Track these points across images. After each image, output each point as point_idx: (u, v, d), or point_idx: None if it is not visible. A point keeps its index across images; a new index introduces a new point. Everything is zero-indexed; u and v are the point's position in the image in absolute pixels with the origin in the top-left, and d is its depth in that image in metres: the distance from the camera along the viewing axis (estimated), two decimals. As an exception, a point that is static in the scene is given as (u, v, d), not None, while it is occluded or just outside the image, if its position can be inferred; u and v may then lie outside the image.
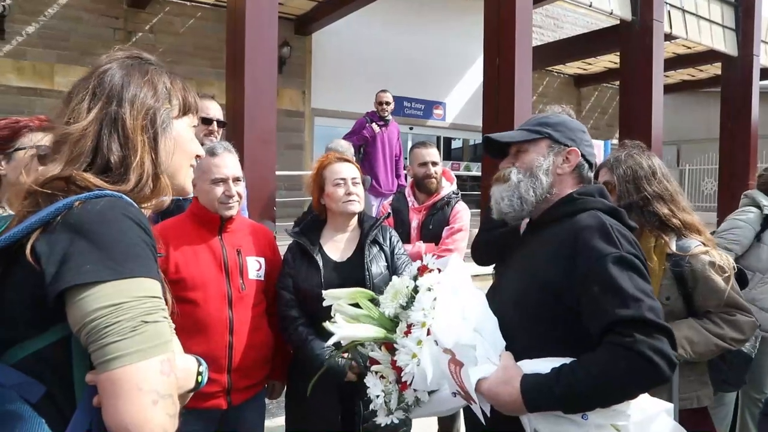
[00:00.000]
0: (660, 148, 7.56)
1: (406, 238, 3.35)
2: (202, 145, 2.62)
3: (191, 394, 1.19)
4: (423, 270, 1.60)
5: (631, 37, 7.77)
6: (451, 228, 3.29)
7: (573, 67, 12.87)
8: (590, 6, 7.30)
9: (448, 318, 1.41)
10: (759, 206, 3.22)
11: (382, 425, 1.54)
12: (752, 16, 9.39)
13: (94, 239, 0.92)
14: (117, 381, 0.88)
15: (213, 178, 2.31)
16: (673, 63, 10.96)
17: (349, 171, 2.52)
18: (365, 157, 6.58)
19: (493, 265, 2.18)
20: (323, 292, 1.68)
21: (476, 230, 2.33)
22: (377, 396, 1.52)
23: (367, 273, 2.39)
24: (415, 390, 1.47)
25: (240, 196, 2.38)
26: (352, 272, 2.40)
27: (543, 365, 1.38)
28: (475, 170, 11.62)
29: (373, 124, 6.40)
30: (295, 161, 9.43)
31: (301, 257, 2.46)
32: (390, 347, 1.52)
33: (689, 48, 10.38)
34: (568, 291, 1.41)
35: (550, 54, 11.27)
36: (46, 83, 7.62)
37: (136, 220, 0.98)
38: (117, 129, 1.06)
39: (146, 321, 0.92)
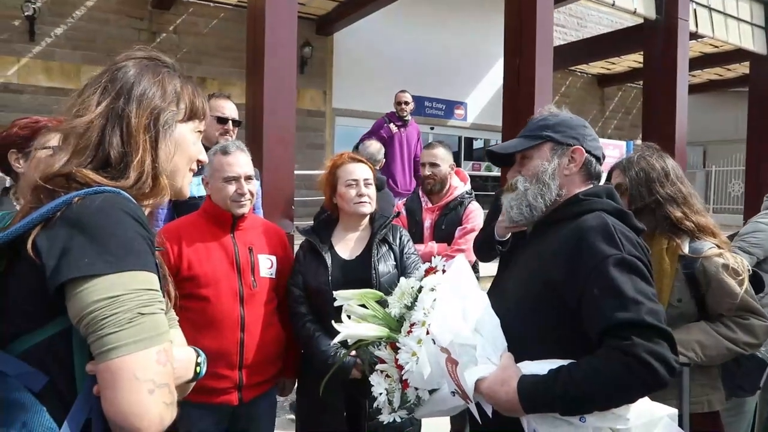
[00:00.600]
0: (684, 149, 7.44)
1: (419, 238, 3.36)
2: (217, 143, 2.68)
3: (192, 384, 1.22)
4: (430, 271, 1.62)
5: (655, 36, 7.64)
6: (464, 228, 3.29)
7: (596, 67, 12.72)
8: (613, 5, 7.20)
9: (445, 317, 1.42)
10: None
11: (385, 422, 1.56)
12: (784, 13, 9.17)
13: (91, 234, 0.95)
14: (114, 371, 0.91)
15: (225, 176, 2.35)
16: (699, 62, 10.77)
17: (362, 172, 2.53)
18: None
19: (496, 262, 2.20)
20: (335, 293, 1.70)
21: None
22: (380, 394, 1.54)
23: (373, 272, 2.40)
24: (416, 389, 1.48)
25: (252, 194, 2.40)
26: (359, 271, 2.42)
27: (544, 367, 1.38)
28: (496, 171, 11.55)
29: (391, 124, 6.42)
30: (316, 160, 9.48)
31: (311, 255, 2.48)
32: (394, 346, 1.54)
33: (716, 47, 10.19)
34: (569, 292, 1.40)
35: (573, 53, 11.16)
36: (72, 83, 7.78)
37: (133, 214, 1.00)
38: (121, 125, 1.09)
39: (142, 313, 0.94)
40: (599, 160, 1.65)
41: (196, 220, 2.43)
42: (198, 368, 1.19)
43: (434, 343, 1.41)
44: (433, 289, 1.51)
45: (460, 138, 12.16)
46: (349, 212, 2.51)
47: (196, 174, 1.34)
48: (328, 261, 2.43)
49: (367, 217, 2.57)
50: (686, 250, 2.13)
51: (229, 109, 3.25)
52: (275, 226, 2.67)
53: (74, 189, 1.01)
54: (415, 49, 10.49)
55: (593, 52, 11.37)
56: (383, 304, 1.65)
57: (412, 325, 1.49)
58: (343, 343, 1.87)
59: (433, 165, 3.40)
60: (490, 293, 1.60)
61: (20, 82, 7.58)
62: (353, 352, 2.09)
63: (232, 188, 2.35)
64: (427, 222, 3.43)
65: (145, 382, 0.92)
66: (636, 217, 1.59)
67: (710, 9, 8.35)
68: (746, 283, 2.07)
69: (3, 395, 0.94)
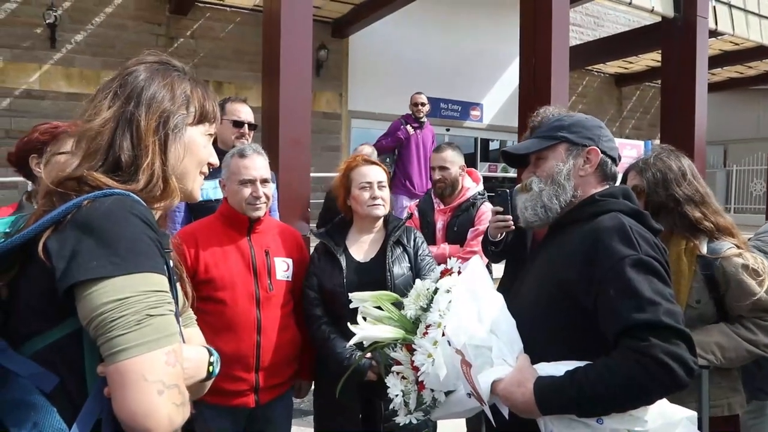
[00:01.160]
0: (703, 148, 7.32)
1: (431, 240, 3.35)
2: (233, 147, 2.71)
3: (208, 384, 1.23)
4: (445, 273, 1.61)
5: (674, 34, 7.54)
6: (476, 230, 3.27)
7: (614, 66, 12.57)
8: (630, 3, 7.12)
9: (460, 319, 1.41)
10: None
11: (401, 424, 1.56)
12: (806, 9, 9.00)
13: (100, 236, 0.96)
14: (124, 372, 0.92)
15: (241, 179, 2.36)
16: (719, 60, 10.60)
17: (376, 174, 2.53)
18: (399, 159, 6.62)
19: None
20: (350, 295, 1.71)
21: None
22: (396, 395, 1.54)
23: (388, 274, 2.41)
24: (432, 390, 1.48)
25: (268, 197, 2.42)
26: (374, 273, 2.42)
27: (560, 368, 1.37)
28: (513, 172, 11.48)
29: (408, 126, 6.44)
30: (332, 163, 9.49)
31: (325, 257, 2.49)
32: (410, 348, 1.54)
33: (736, 44, 10.03)
34: (585, 293, 1.39)
35: (589, 53, 11.04)
36: (92, 89, 7.78)
37: (142, 217, 1.01)
38: (131, 129, 1.10)
39: (151, 314, 0.95)
40: (615, 161, 1.64)
41: (213, 223, 2.45)
42: (211, 368, 1.20)
43: (450, 345, 1.41)
44: (448, 291, 1.51)
45: (476, 139, 12.11)
46: (363, 215, 2.52)
47: (213, 177, 1.34)
48: (343, 263, 2.44)
49: (381, 219, 2.58)
50: (704, 250, 2.10)
51: (245, 112, 3.27)
52: (291, 228, 2.68)
53: (85, 192, 1.02)
54: (430, 51, 10.47)
55: (610, 51, 11.24)
56: (398, 306, 1.65)
57: (427, 326, 1.48)
58: (359, 345, 1.87)
59: (443, 168, 3.39)
60: (506, 295, 1.59)
61: (42, 88, 7.70)
62: (369, 354, 2.10)
63: (247, 191, 2.36)
64: (439, 223, 3.42)
65: (154, 384, 0.93)
66: (653, 218, 1.57)
67: (730, 6, 8.21)
68: (767, 283, 2.03)
69: (14, 396, 0.95)
